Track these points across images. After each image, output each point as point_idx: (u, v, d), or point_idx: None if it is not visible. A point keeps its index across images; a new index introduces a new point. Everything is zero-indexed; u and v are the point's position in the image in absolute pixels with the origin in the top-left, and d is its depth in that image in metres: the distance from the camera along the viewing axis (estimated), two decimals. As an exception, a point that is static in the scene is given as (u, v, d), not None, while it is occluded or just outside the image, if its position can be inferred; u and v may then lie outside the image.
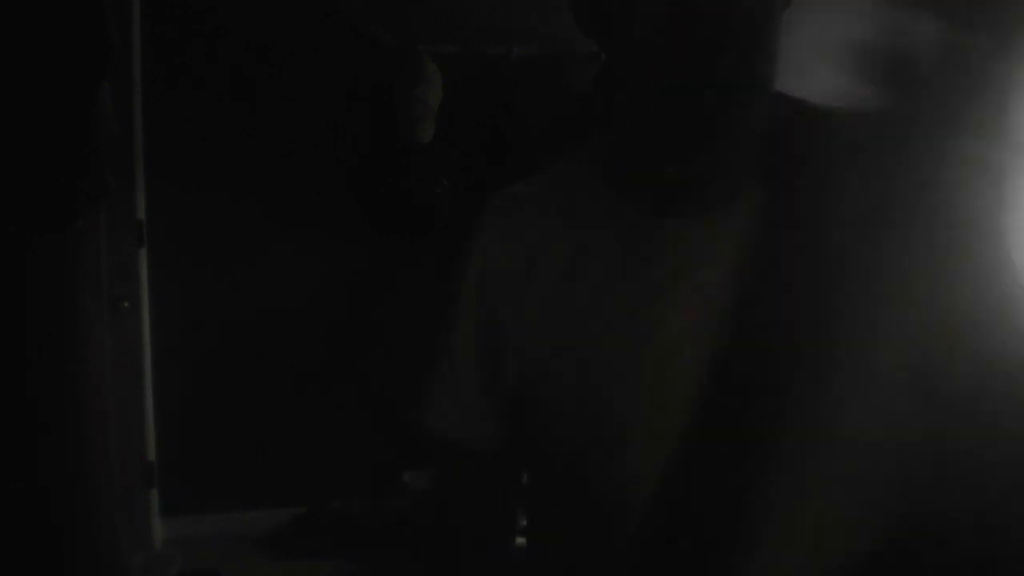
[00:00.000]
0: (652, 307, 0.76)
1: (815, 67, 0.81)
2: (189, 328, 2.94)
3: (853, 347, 0.71)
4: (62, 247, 1.47)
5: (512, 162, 2.90)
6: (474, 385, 0.85)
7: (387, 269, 3.08)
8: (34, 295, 1.45)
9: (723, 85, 0.69)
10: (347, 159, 2.95)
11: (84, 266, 1.56)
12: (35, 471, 1.45)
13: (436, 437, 0.89)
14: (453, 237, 0.94)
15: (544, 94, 2.95)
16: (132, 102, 2.77)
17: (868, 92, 0.77)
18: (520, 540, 0.90)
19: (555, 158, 0.88)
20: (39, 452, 1.45)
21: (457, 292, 0.86)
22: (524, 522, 0.90)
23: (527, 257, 0.82)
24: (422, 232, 2.94)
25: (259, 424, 2.99)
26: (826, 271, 0.72)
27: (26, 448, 1.43)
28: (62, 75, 1.38)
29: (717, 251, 0.75)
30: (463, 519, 0.90)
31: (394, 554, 2.60)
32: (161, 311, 2.93)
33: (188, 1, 2.87)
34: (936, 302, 0.70)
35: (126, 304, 2.80)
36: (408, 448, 2.36)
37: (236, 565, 2.81)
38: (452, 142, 2.87)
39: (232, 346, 2.97)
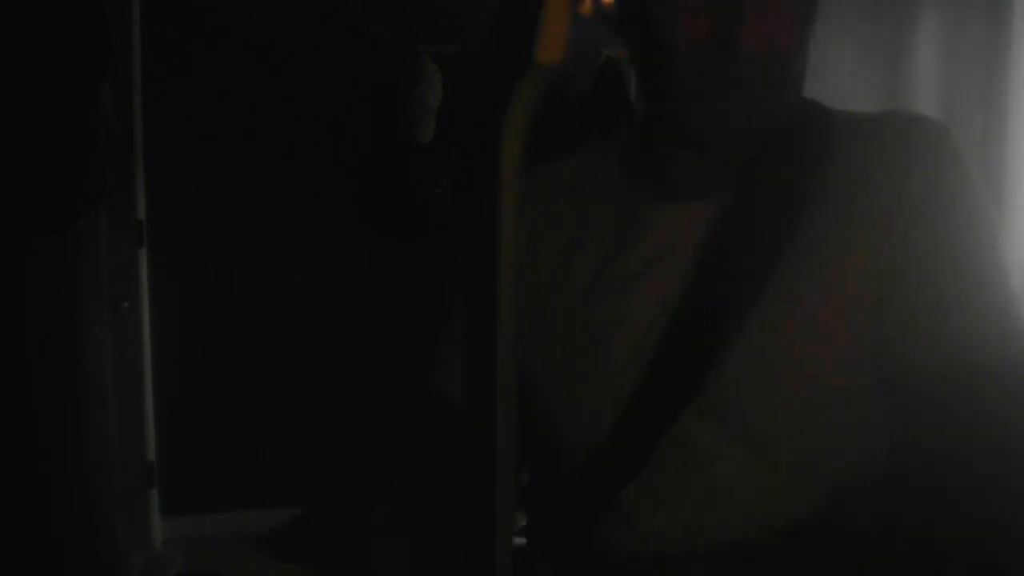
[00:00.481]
0: (630, 289, 0.78)
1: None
2: (189, 328, 2.94)
3: (818, 341, 0.72)
4: (62, 247, 1.47)
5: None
6: None
7: (387, 269, 3.08)
8: (34, 295, 1.45)
9: (755, 97, 0.71)
10: (347, 159, 2.95)
11: (84, 266, 1.56)
12: (35, 471, 1.45)
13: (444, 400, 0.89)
14: (452, 237, 0.95)
15: (543, 94, 2.95)
16: (132, 102, 2.77)
17: None
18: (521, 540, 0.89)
19: (554, 157, 0.89)
20: (39, 452, 1.46)
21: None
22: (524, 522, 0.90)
23: (532, 234, 0.83)
24: (422, 232, 2.94)
25: (259, 424, 2.99)
26: (798, 263, 0.73)
27: (26, 448, 1.43)
28: (62, 75, 1.39)
29: (694, 237, 0.77)
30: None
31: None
32: (161, 311, 2.92)
33: (188, 1, 2.87)
34: (916, 301, 0.70)
35: (126, 304, 2.80)
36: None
37: (236, 565, 2.81)
38: (452, 142, 2.87)
39: (232, 346, 2.97)
